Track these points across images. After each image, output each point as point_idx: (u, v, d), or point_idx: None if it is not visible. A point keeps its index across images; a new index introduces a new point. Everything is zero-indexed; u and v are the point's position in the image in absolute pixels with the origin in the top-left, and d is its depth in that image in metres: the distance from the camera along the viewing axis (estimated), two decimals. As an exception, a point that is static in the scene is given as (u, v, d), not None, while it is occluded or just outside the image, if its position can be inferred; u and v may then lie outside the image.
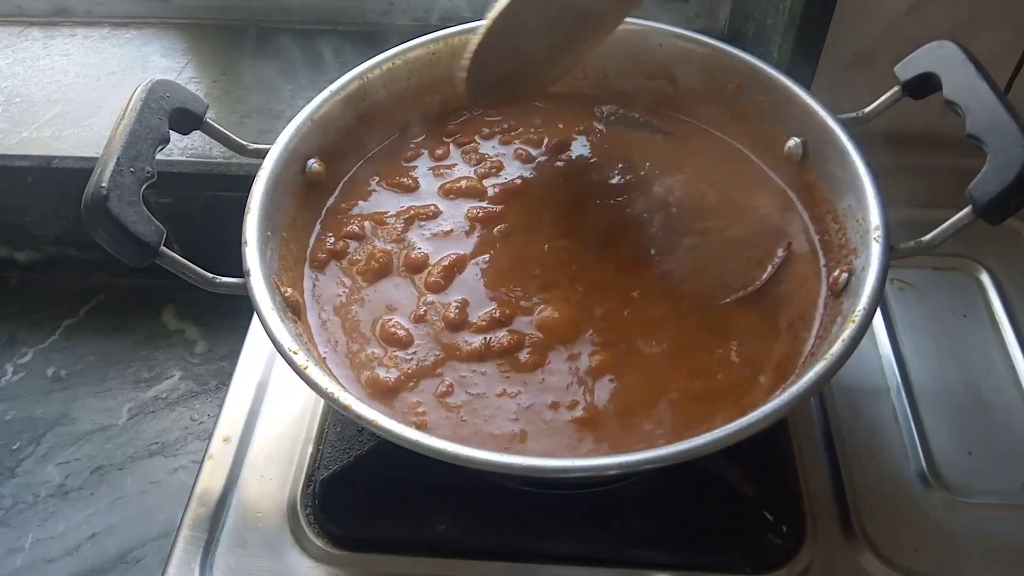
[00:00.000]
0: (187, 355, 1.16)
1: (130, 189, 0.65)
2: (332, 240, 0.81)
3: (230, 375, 0.89)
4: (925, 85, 0.74)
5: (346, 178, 0.87)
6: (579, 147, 0.90)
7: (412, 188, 0.86)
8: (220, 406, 0.87)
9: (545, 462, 0.58)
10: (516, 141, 0.90)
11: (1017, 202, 0.63)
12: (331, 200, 0.85)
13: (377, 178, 0.87)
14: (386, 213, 0.84)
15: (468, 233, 0.81)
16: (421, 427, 0.66)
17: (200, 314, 1.20)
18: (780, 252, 0.75)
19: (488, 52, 0.77)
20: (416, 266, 0.78)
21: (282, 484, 0.80)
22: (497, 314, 0.73)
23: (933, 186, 0.82)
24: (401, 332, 0.73)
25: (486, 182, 0.86)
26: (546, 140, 0.90)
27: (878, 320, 0.90)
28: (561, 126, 0.91)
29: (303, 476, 0.80)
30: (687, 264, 0.77)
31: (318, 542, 0.76)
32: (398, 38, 0.90)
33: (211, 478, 0.81)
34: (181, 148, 1.12)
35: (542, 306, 0.74)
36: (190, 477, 0.82)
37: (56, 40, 1.34)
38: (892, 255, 0.68)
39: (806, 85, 0.81)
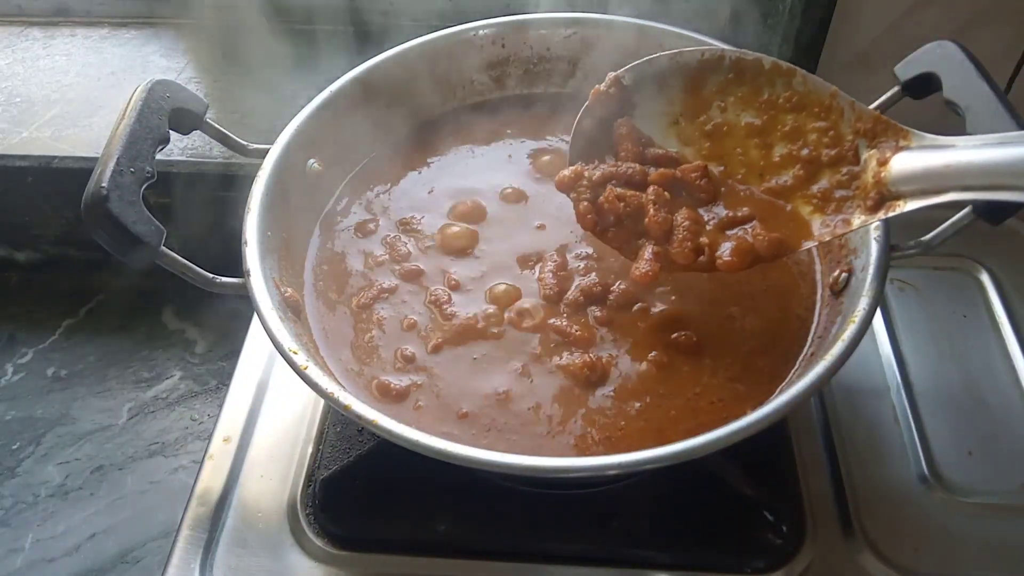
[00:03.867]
0: (187, 355, 1.16)
1: (130, 189, 0.65)
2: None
3: (230, 375, 0.89)
4: (925, 85, 0.74)
5: (348, 178, 0.88)
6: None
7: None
8: (220, 406, 0.87)
9: (545, 462, 0.58)
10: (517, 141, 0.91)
11: (1017, 202, 0.63)
12: (332, 200, 0.86)
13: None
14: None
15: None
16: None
17: (200, 314, 1.20)
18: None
19: None
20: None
21: (282, 484, 0.80)
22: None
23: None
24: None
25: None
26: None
27: (878, 320, 0.90)
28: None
29: (303, 476, 0.80)
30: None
31: (318, 542, 0.76)
32: (399, 37, 0.90)
33: (211, 478, 0.81)
34: (181, 148, 1.12)
35: None
36: (190, 477, 0.82)
37: (56, 40, 1.34)
38: (892, 255, 0.68)
39: (806, 85, 0.81)
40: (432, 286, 0.77)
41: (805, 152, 0.69)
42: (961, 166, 0.58)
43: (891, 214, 0.63)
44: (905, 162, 0.62)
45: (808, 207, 0.69)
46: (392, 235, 0.82)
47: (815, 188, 0.68)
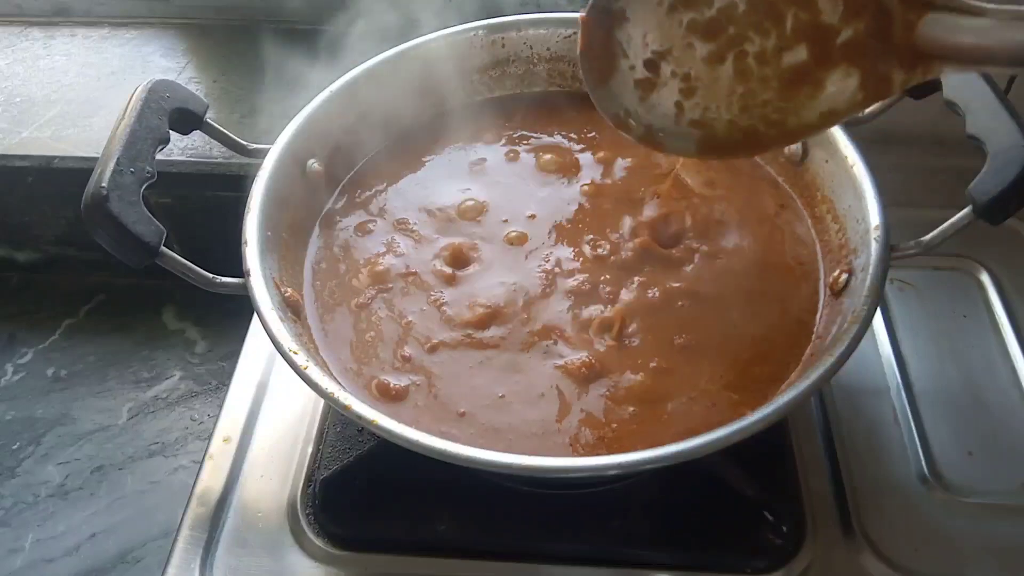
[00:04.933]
0: (187, 355, 1.16)
1: (130, 189, 0.65)
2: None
3: (230, 375, 0.89)
4: (925, 85, 0.74)
5: (347, 178, 0.88)
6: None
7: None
8: (220, 406, 0.87)
9: (545, 462, 0.58)
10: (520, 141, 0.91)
11: (1017, 202, 0.63)
12: (331, 200, 0.86)
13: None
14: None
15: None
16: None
17: (200, 314, 1.20)
18: None
19: None
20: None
21: (282, 484, 0.80)
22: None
23: (933, 186, 0.82)
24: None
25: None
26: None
27: (878, 320, 0.90)
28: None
29: (303, 476, 0.80)
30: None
31: (318, 542, 0.76)
32: (400, 38, 0.90)
33: (211, 478, 0.81)
34: (181, 148, 1.12)
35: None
36: (190, 477, 0.82)
37: (56, 40, 1.34)
38: (892, 255, 0.68)
39: (806, 85, 0.81)
40: (431, 286, 0.77)
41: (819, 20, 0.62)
42: (993, 40, 0.54)
43: (929, 76, 0.59)
44: (935, 25, 0.57)
45: (842, 65, 0.62)
46: (391, 235, 0.82)
47: (840, 40, 0.62)
